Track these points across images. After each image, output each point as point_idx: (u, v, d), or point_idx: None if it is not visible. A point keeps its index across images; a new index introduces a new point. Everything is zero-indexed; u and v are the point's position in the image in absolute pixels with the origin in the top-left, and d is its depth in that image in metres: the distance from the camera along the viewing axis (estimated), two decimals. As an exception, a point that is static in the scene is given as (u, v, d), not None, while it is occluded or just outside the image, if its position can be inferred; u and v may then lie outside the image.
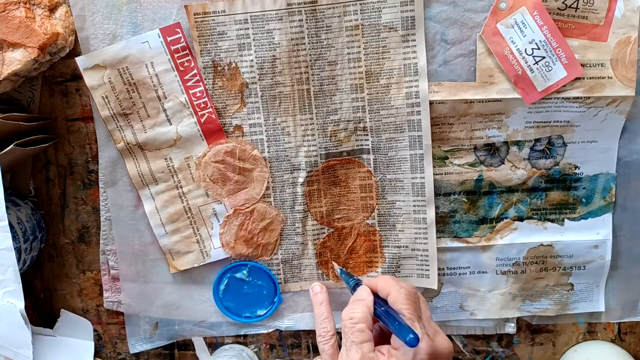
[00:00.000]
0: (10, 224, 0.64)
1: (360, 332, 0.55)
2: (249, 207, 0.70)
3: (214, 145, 0.68)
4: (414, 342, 0.50)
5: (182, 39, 0.66)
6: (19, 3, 0.62)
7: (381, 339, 0.57)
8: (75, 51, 0.67)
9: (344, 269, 0.69)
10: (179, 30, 0.65)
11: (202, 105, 0.67)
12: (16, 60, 0.62)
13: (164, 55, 0.66)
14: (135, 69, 0.66)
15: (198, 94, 0.67)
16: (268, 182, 0.69)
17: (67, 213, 0.74)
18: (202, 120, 0.68)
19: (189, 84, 0.67)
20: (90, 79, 0.66)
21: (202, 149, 0.68)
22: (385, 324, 0.55)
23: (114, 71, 0.66)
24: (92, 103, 0.68)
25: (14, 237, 0.65)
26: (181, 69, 0.67)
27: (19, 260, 0.67)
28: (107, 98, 0.67)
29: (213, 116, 0.68)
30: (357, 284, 0.62)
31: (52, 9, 0.65)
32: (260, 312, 0.73)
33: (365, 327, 0.55)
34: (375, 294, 0.58)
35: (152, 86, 0.67)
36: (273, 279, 0.71)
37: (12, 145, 0.62)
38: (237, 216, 0.70)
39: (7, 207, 0.62)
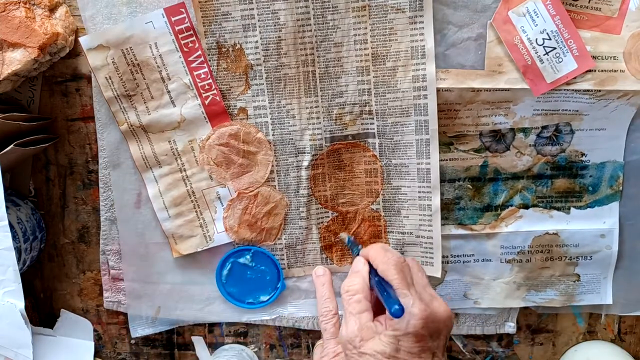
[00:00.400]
0: (10, 224, 0.64)
1: (358, 302, 0.56)
2: (253, 190, 0.69)
3: (218, 127, 0.68)
4: (397, 313, 0.51)
5: (187, 19, 0.65)
6: (19, 3, 0.62)
7: (379, 307, 0.57)
8: (75, 51, 0.68)
9: (352, 237, 0.69)
10: (183, 10, 0.65)
11: (207, 87, 0.67)
12: (16, 60, 0.62)
13: (168, 36, 0.65)
14: (139, 50, 0.65)
15: (202, 76, 0.67)
16: (272, 166, 0.69)
17: (67, 213, 0.74)
18: (207, 102, 0.67)
19: (193, 65, 0.66)
20: (93, 59, 0.66)
21: (206, 131, 0.68)
22: (377, 294, 0.56)
23: (117, 52, 0.65)
24: (95, 83, 0.68)
25: (14, 237, 0.65)
26: (185, 49, 0.66)
27: (19, 260, 0.67)
28: (110, 79, 0.66)
29: (217, 98, 0.67)
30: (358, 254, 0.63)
31: (52, 9, 0.65)
32: (264, 298, 0.72)
33: (363, 297, 0.56)
34: (371, 265, 0.59)
35: (156, 67, 0.66)
36: (277, 264, 0.71)
37: (12, 145, 0.62)
38: (241, 200, 0.70)
39: (7, 207, 0.62)
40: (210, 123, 0.68)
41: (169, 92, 0.67)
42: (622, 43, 0.63)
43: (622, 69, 0.63)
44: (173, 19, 0.65)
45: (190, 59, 0.66)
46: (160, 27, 0.65)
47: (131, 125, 0.68)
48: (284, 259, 0.72)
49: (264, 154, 0.69)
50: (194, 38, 0.66)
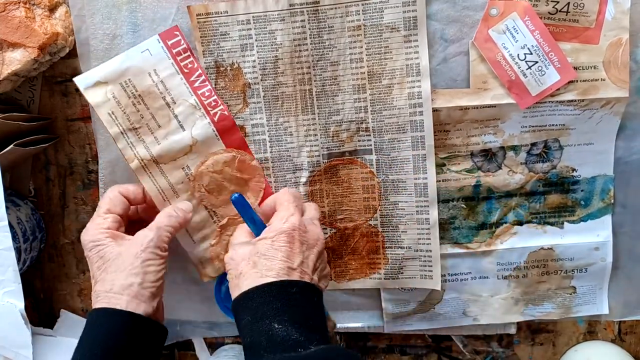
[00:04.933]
0: (10, 224, 0.66)
1: None
2: None
3: (213, 155, 0.70)
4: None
5: (182, 41, 0.69)
6: (19, 3, 0.65)
7: None
8: (75, 51, 0.70)
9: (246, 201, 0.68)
10: (177, 32, 0.69)
11: (213, 103, 0.70)
12: (16, 60, 0.65)
13: (167, 60, 0.69)
14: (138, 80, 0.68)
15: (206, 94, 0.70)
16: (264, 191, 0.72)
17: (67, 213, 0.76)
18: (216, 118, 0.70)
19: (196, 84, 0.69)
20: (92, 97, 0.67)
21: (218, 148, 0.70)
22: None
23: (116, 86, 0.68)
24: (94, 117, 0.71)
25: (14, 237, 0.67)
26: (185, 71, 0.69)
27: (18, 260, 0.69)
28: (113, 114, 0.68)
29: (225, 112, 0.70)
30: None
31: (52, 9, 0.68)
32: None
33: None
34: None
35: (159, 94, 0.69)
36: None
37: (12, 145, 0.65)
38: (230, 227, 0.73)
39: (7, 207, 0.64)
40: (221, 139, 0.70)
41: (176, 116, 0.69)
42: (601, 52, 0.68)
43: (603, 77, 0.68)
44: (169, 42, 0.69)
45: (192, 79, 0.69)
46: (157, 54, 0.68)
47: (142, 160, 0.69)
48: (283, 275, 0.75)
49: (256, 181, 0.72)
50: (191, 58, 0.69)
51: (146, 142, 0.69)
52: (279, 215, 0.64)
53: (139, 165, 0.69)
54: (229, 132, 0.71)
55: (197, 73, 0.70)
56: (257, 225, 0.65)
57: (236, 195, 0.65)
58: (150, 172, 0.70)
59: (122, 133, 0.68)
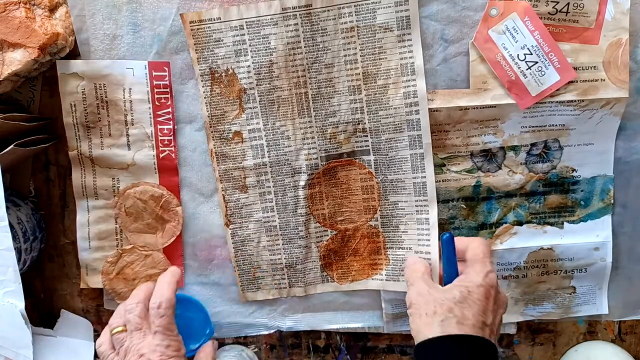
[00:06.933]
0: (10, 224, 0.66)
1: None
2: (147, 251, 0.75)
3: (145, 184, 0.73)
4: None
5: (167, 78, 0.71)
6: (19, 3, 0.66)
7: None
8: (75, 52, 0.71)
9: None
10: (166, 68, 0.71)
11: (166, 142, 0.73)
12: (16, 60, 0.65)
13: (144, 87, 0.71)
14: (111, 89, 0.71)
15: (165, 131, 0.73)
16: (179, 237, 0.75)
17: (67, 213, 0.77)
18: (161, 155, 0.74)
19: (160, 119, 0.73)
20: (64, 84, 0.71)
21: (152, 180, 0.73)
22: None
23: (90, 84, 0.71)
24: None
25: (14, 237, 0.68)
26: (157, 103, 0.72)
27: (19, 260, 0.70)
28: (74, 106, 0.72)
29: (173, 155, 0.73)
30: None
31: (52, 9, 0.68)
32: (193, 347, 0.72)
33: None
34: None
35: (122, 110, 0.72)
36: (203, 309, 0.74)
37: (12, 146, 0.65)
38: (132, 254, 0.75)
39: (7, 207, 0.64)
40: (158, 175, 0.74)
41: (128, 135, 0.73)
42: (601, 53, 0.68)
43: (603, 77, 0.68)
44: (154, 74, 0.71)
45: (159, 113, 0.72)
46: (139, 76, 0.71)
47: (81, 154, 0.73)
48: (284, 279, 0.75)
49: (174, 226, 0.74)
50: (168, 96, 0.72)
51: (92, 142, 0.73)
52: (477, 269, 0.64)
53: (76, 156, 0.73)
54: (169, 172, 0.74)
55: (166, 110, 0.73)
56: (450, 271, 0.67)
57: (448, 234, 0.67)
58: (83, 167, 0.74)
59: (74, 125, 0.72)
